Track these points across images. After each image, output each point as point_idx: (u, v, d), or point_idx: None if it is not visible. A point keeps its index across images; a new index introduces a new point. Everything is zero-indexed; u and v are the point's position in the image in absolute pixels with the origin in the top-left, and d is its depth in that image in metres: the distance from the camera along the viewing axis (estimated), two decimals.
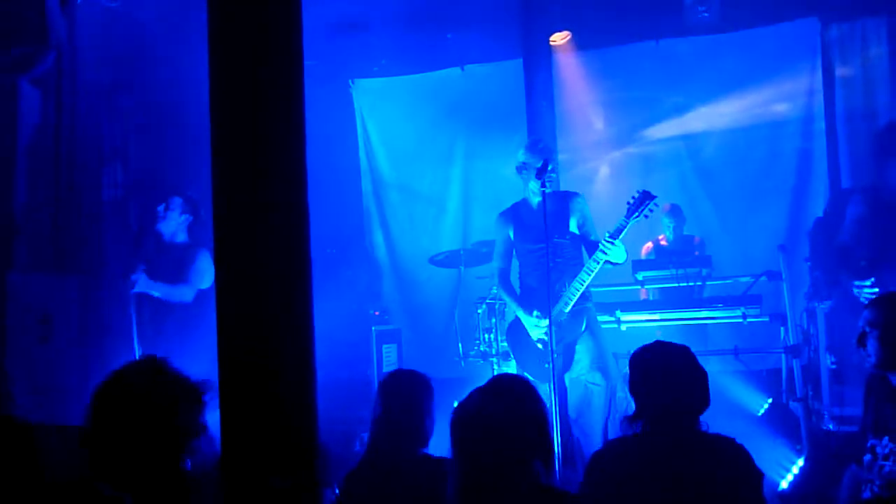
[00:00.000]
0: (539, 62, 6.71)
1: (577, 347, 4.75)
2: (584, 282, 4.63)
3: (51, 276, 5.60)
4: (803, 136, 7.01)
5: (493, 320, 6.03)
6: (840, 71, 6.91)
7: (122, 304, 5.75)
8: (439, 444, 3.15)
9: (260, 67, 2.04)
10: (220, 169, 2.10)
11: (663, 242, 6.74)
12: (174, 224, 5.38)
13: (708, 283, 5.98)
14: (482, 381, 2.61)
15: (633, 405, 2.78)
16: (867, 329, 3.20)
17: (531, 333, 4.80)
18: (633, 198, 4.54)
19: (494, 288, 6.18)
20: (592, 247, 4.75)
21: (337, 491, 3.22)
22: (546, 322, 4.64)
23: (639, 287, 6.20)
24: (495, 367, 5.84)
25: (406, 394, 3.15)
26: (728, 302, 5.58)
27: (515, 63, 7.12)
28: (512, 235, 5.02)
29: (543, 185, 4.41)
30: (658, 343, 2.87)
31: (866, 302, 4.70)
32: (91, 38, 5.82)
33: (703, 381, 2.71)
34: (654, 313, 5.68)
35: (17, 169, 5.43)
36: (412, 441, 3.09)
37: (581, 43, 7.25)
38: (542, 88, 6.64)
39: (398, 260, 8.08)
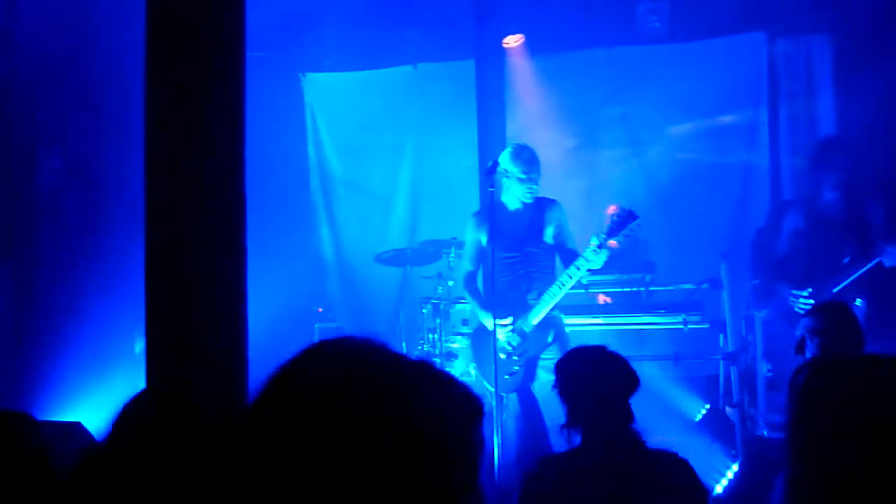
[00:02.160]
0: (491, 63, 6.72)
1: (545, 358, 4.67)
2: (556, 295, 4.57)
3: None
4: (748, 147, 7.14)
5: (438, 320, 6.01)
6: (785, 85, 7.06)
7: (59, 292, 5.60)
8: None
9: (200, 55, 1.98)
10: (153, 159, 2.03)
11: (613, 244, 6.79)
12: None
13: (651, 288, 6.05)
14: None
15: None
16: (807, 336, 3.26)
17: (498, 335, 4.60)
18: (617, 215, 4.49)
19: (440, 288, 6.16)
20: (569, 255, 4.68)
21: None
22: (509, 322, 4.61)
23: (583, 291, 6.22)
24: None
25: None
26: (670, 308, 5.65)
27: (468, 63, 7.12)
28: (484, 241, 4.88)
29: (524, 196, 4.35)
30: (576, 348, 2.84)
31: (801, 312, 4.82)
32: (29, 17, 5.64)
33: (625, 367, 2.65)
34: (598, 317, 5.72)
35: None
36: None
37: (534, 47, 7.27)
38: (494, 90, 6.64)
39: (344, 257, 8.00)
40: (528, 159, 4.76)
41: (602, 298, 6.38)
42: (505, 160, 4.75)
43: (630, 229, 4.45)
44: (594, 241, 4.43)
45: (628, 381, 2.62)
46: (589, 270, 4.60)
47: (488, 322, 4.62)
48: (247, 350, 1.89)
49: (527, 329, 4.63)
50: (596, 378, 2.59)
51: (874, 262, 4.77)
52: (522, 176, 4.71)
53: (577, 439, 2.64)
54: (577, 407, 2.63)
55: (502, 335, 4.64)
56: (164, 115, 1.96)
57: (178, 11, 1.92)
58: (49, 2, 5.74)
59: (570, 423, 2.64)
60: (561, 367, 2.71)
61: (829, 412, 1.62)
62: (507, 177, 4.74)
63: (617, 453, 2.54)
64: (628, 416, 2.58)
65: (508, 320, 4.59)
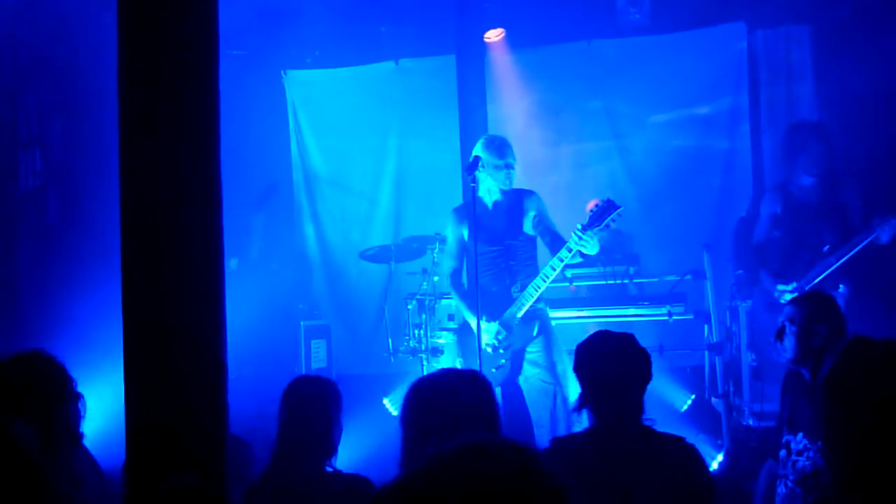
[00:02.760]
0: (472, 58, 6.70)
1: (530, 351, 4.65)
2: (539, 288, 4.54)
3: None
4: (729, 137, 7.17)
5: (423, 316, 6.01)
6: (765, 75, 7.08)
7: (37, 294, 5.56)
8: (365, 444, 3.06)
9: (172, 55, 1.96)
10: (127, 161, 2.01)
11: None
12: None
13: (635, 280, 6.06)
14: (412, 377, 2.53)
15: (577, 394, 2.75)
16: (786, 325, 3.28)
17: (481, 337, 4.56)
18: (598, 206, 4.40)
19: (425, 284, 6.16)
20: (554, 241, 4.62)
21: None
22: (495, 327, 4.61)
23: (567, 284, 6.23)
24: (424, 363, 5.81)
25: (313, 401, 2.97)
26: (654, 300, 5.67)
27: (449, 59, 7.11)
28: (466, 236, 4.83)
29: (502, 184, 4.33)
30: (603, 332, 2.86)
31: (784, 303, 4.85)
32: (6, 19, 5.58)
33: (646, 360, 2.71)
34: (582, 310, 5.74)
35: None
36: (318, 453, 2.92)
37: (514, 41, 7.26)
38: (475, 84, 6.63)
39: (328, 254, 7.97)
40: (500, 145, 4.74)
41: (572, 289, 6.34)
42: (478, 151, 4.73)
43: (612, 219, 4.36)
44: (574, 235, 4.38)
45: (645, 372, 2.68)
46: (572, 263, 4.59)
47: (473, 322, 4.59)
48: (225, 348, 1.87)
49: (512, 323, 4.63)
50: (617, 362, 2.64)
51: (870, 238, 4.77)
52: (498, 162, 4.67)
53: (587, 421, 2.71)
54: (593, 388, 2.66)
55: (486, 337, 4.63)
56: (136, 114, 1.94)
57: (147, 9, 1.90)
58: (27, 3, 5.68)
59: (583, 404, 2.69)
60: (584, 348, 2.74)
61: (861, 395, 1.66)
62: (482, 168, 4.69)
63: (626, 436, 2.60)
64: (640, 404, 2.66)
65: (494, 327, 4.60)
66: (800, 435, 3.23)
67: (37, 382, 2.23)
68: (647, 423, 2.66)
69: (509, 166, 4.69)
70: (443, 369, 2.83)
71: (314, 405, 2.96)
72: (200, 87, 1.97)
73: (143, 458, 1.80)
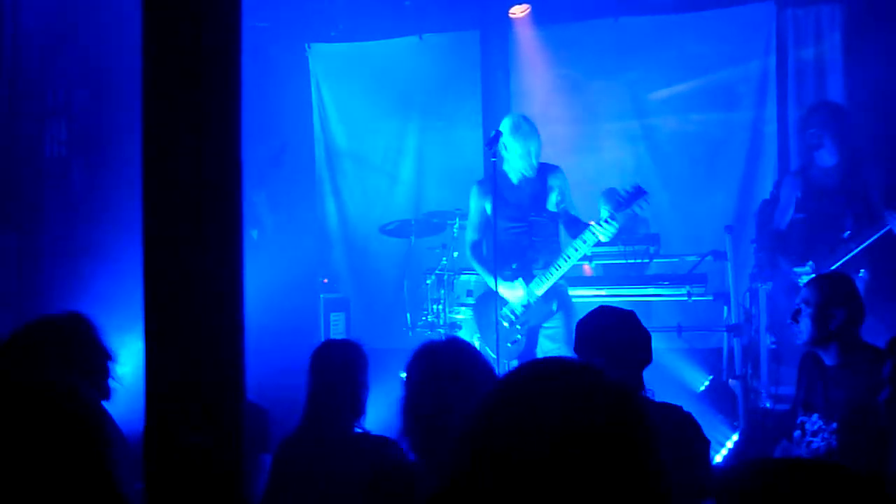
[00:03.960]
0: (496, 34, 6.67)
1: (548, 327, 4.70)
2: (561, 268, 4.59)
3: None
4: (755, 118, 7.08)
5: (442, 291, 6.02)
6: (794, 55, 6.98)
7: (61, 262, 5.64)
8: (383, 418, 3.13)
9: (197, 32, 1.96)
10: (150, 131, 2.01)
11: None
12: None
13: (655, 260, 6.04)
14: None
15: None
16: (802, 306, 3.27)
17: (508, 297, 4.64)
18: (626, 190, 4.49)
19: (444, 259, 6.17)
20: (572, 223, 4.69)
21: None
22: (519, 283, 4.64)
23: (583, 262, 6.22)
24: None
25: (339, 365, 3.09)
26: (674, 280, 5.64)
27: (473, 34, 7.07)
28: (488, 209, 4.87)
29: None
30: (602, 307, 2.90)
31: (802, 285, 4.82)
32: None
33: (646, 340, 2.74)
34: (601, 289, 5.71)
35: None
36: (348, 414, 3.03)
37: (540, 17, 7.21)
38: (499, 61, 6.60)
39: (349, 228, 8.00)
40: (526, 133, 4.75)
41: (587, 270, 6.35)
42: (505, 133, 4.74)
43: (638, 205, 4.45)
44: (603, 215, 4.44)
45: (646, 347, 2.74)
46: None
47: (500, 285, 4.64)
48: (243, 306, 1.90)
49: (531, 300, 4.64)
50: (617, 335, 2.68)
51: (883, 231, 4.73)
52: (521, 150, 4.72)
53: None
54: (593, 358, 2.69)
55: (513, 295, 4.63)
56: (159, 90, 1.95)
57: None
58: None
59: None
60: (580, 326, 2.78)
61: None
62: (507, 150, 4.73)
63: None
64: (639, 377, 2.74)
65: (518, 284, 4.60)
66: (815, 416, 3.23)
67: (74, 341, 2.32)
68: (646, 393, 2.71)
69: (533, 154, 4.72)
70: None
71: (342, 368, 3.08)
72: (222, 63, 1.97)
73: (161, 419, 1.83)
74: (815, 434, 3.19)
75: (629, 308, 2.91)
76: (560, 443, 1.07)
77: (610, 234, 4.49)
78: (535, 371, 1.20)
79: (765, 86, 7.06)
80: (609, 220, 4.42)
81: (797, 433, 3.28)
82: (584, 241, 4.50)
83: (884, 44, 5.92)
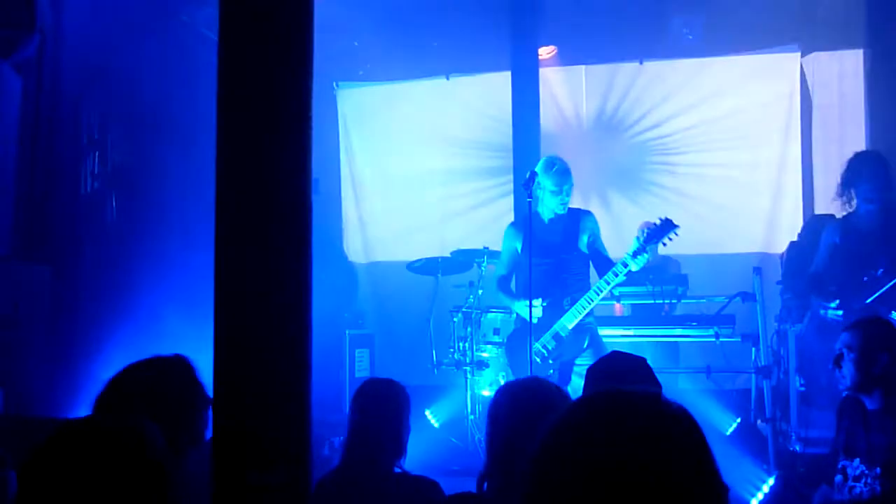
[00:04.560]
0: (526, 75, 6.76)
1: (580, 364, 4.75)
2: (592, 301, 4.68)
3: (21, 264, 5.50)
4: (779, 160, 7.13)
5: (469, 329, 6.02)
6: (817, 99, 7.05)
7: (95, 295, 5.69)
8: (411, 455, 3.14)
9: (271, 75, 2.03)
10: (224, 172, 2.07)
11: None
12: None
13: (683, 301, 6.05)
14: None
15: None
16: (844, 351, 3.26)
17: (533, 316, 4.68)
18: (655, 224, 4.63)
19: (471, 297, 6.19)
20: (603, 263, 4.79)
21: None
22: (545, 304, 4.70)
23: (613, 301, 6.24)
24: (468, 376, 5.84)
25: (384, 403, 3.06)
26: (702, 321, 5.64)
27: (499, 75, 7.18)
28: (519, 248, 5.02)
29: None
30: (616, 353, 2.90)
31: (832, 321, 4.82)
32: (74, 23, 5.74)
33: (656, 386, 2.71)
34: (629, 329, 5.72)
35: None
36: (389, 453, 3.00)
37: (566, 58, 7.31)
38: (529, 101, 6.68)
39: (375, 265, 8.05)
40: (559, 171, 4.88)
41: (618, 309, 6.38)
42: (539, 172, 4.87)
43: (669, 237, 4.59)
44: (634, 245, 4.53)
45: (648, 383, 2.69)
46: (622, 281, 4.66)
47: (521, 308, 4.74)
48: (311, 350, 1.94)
49: (563, 333, 4.69)
50: (625, 381, 2.66)
51: None
52: (555, 188, 4.84)
53: None
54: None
55: (538, 310, 4.70)
56: (235, 119, 2.02)
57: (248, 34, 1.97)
58: (89, 13, 5.84)
59: None
60: (589, 372, 2.78)
61: None
62: (540, 189, 4.86)
63: None
64: None
65: (539, 302, 4.68)
66: (857, 461, 3.21)
67: (171, 386, 2.33)
68: None
69: (565, 192, 4.85)
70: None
71: (385, 407, 3.05)
72: (297, 94, 2.05)
73: (230, 459, 1.85)
74: (857, 479, 3.18)
75: (657, 347, 2.92)
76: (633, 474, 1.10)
77: (641, 264, 4.58)
78: (599, 406, 1.21)
79: (788, 127, 7.12)
80: (636, 254, 4.52)
81: (839, 478, 3.26)
82: (616, 274, 4.58)
83: None
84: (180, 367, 2.44)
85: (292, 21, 2.01)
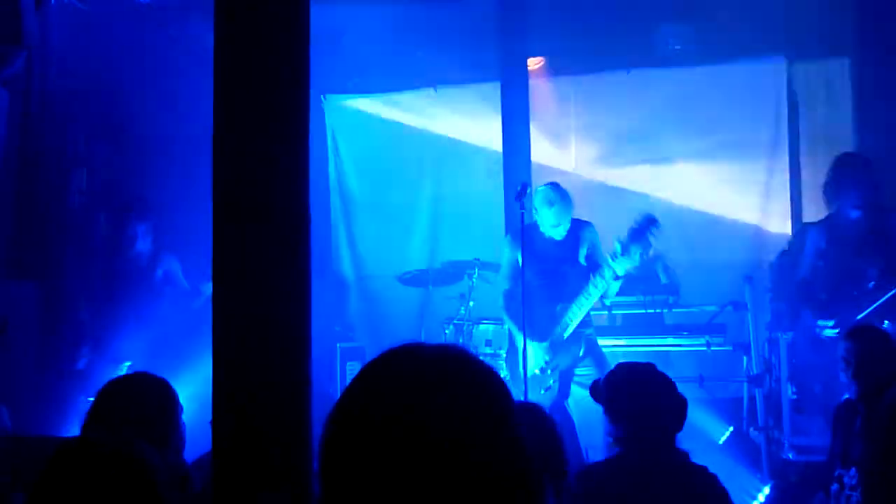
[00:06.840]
0: (516, 85, 6.77)
1: (580, 374, 4.75)
2: (584, 306, 4.65)
3: (9, 281, 5.45)
4: (767, 169, 7.16)
5: (461, 340, 6.01)
6: (804, 108, 7.09)
7: (82, 311, 5.64)
8: None
9: (266, 85, 2.02)
10: (220, 185, 2.06)
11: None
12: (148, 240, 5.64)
13: (674, 310, 6.06)
14: None
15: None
16: (845, 361, 3.28)
17: (529, 361, 4.68)
18: (638, 222, 4.59)
19: (462, 309, 6.18)
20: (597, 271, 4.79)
21: None
22: (543, 347, 4.70)
23: (605, 312, 6.23)
24: None
25: None
26: (693, 330, 5.66)
27: (488, 85, 7.19)
28: (520, 259, 4.96)
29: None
30: (629, 363, 2.91)
31: (825, 338, 4.84)
32: (60, 39, 5.71)
33: (680, 406, 2.73)
34: (620, 339, 5.73)
35: None
36: None
37: (554, 69, 7.33)
38: (519, 111, 6.69)
39: (365, 277, 8.02)
40: (558, 213, 4.86)
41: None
42: (537, 202, 4.91)
43: (651, 233, 4.54)
44: (617, 247, 4.51)
45: (677, 400, 2.71)
46: (608, 292, 4.67)
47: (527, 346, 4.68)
48: (311, 367, 1.92)
49: (558, 342, 4.70)
50: (647, 391, 2.67)
51: None
52: (554, 221, 4.87)
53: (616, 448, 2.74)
54: (625, 420, 2.69)
55: (534, 360, 4.71)
56: (229, 128, 2.01)
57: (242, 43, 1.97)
58: (76, 28, 5.81)
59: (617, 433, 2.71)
60: (609, 381, 2.77)
61: None
62: (538, 214, 4.92)
63: (658, 462, 2.63)
64: (669, 434, 2.69)
65: (543, 346, 4.67)
66: (853, 470, 3.21)
67: (149, 403, 2.33)
68: (681, 453, 2.68)
69: (562, 224, 4.86)
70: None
71: None
72: (294, 105, 2.04)
73: (232, 478, 1.83)
74: (853, 488, 3.18)
75: (648, 357, 2.95)
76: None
77: (625, 267, 4.54)
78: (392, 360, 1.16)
79: (776, 137, 7.15)
80: (622, 252, 4.48)
81: (835, 487, 3.26)
82: (602, 277, 4.57)
83: (893, 95, 6.01)
84: (153, 381, 2.45)
85: (287, 30, 2.00)
